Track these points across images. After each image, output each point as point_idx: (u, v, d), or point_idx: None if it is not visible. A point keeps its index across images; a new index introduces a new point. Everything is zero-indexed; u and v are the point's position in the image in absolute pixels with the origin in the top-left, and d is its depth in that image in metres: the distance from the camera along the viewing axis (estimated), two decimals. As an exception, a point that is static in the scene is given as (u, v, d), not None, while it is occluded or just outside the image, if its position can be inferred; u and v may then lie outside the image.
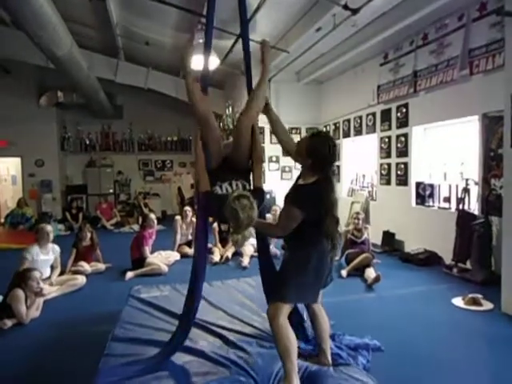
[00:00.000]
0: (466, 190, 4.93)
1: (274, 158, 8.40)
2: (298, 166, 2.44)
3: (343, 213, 6.92)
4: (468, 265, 4.78)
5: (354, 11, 4.72)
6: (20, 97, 10.04)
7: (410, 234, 6.03)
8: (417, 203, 5.92)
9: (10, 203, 10.68)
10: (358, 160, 7.77)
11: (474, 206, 4.91)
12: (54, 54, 5.88)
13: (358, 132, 7.40)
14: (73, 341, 3.15)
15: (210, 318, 3.22)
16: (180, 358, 2.57)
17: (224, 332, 2.99)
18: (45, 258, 4.42)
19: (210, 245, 5.92)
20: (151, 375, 2.36)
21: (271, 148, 8.04)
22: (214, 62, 6.15)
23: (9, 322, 3.40)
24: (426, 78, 5.48)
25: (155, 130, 11.93)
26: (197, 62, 6.18)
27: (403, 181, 6.19)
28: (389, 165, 6.52)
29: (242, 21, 2.74)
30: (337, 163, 7.98)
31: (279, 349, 2.16)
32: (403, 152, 6.15)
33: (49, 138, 10.53)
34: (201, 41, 5.90)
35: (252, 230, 2.84)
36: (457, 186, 5.25)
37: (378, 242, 6.38)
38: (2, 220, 9.57)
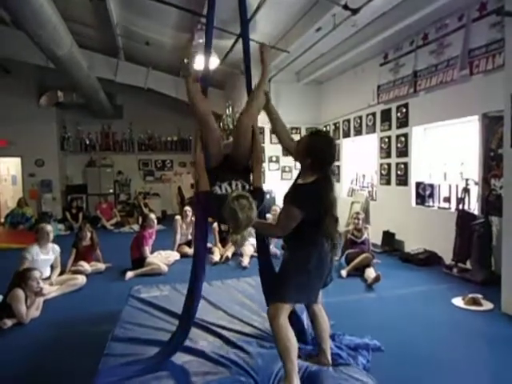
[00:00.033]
0: (466, 190, 4.93)
1: (274, 158, 8.40)
2: (298, 165, 2.44)
3: (343, 213, 6.92)
4: (468, 265, 4.78)
5: (354, 11, 4.72)
6: (20, 96, 10.05)
7: (409, 234, 6.03)
8: (417, 203, 5.92)
9: (10, 203, 10.68)
10: (357, 160, 7.77)
11: (473, 206, 4.91)
12: (54, 53, 5.89)
13: (358, 132, 7.40)
14: (73, 340, 3.15)
15: (210, 317, 3.22)
16: (180, 358, 2.57)
17: (224, 332, 2.99)
18: (45, 257, 4.42)
19: (209, 244, 5.92)
20: (151, 375, 2.36)
21: (271, 148, 8.05)
22: (214, 62, 6.16)
23: (9, 322, 3.40)
24: (426, 78, 5.48)
25: (155, 130, 11.94)
26: (197, 62, 6.19)
27: (403, 181, 6.19)
28: (389, 165, 6.52)
29: (242, 21, 2.74)
30: (337, 163, 7.99)
31: (279, 349, 2.16)
32: (403, 152, 6.15)
33: (49, 137, 10.53)
34: (201, 41, 5.93)
35: (252, 230, 2.84)
36: (457, 186, 5.25)
37: (378, 241, 6.38)
38: (2, 220, 9.57)
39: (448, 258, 5.04)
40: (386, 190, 6.63)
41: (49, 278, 4.43)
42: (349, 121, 7.67)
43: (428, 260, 5.32)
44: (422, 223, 5.73)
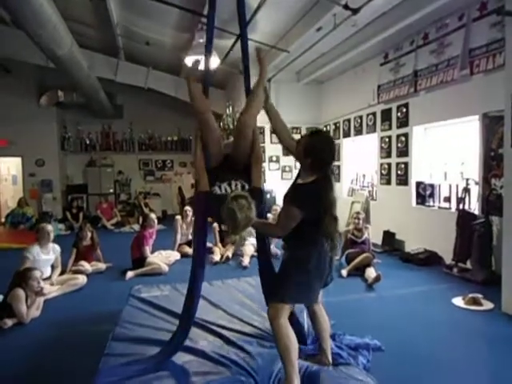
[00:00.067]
0: (467, 190, 4.93)
1: (274, 158, 8.40)
2: (299, 165, 2.44)
3: (343, 213, 6.92)
4: (468, 265, 4.78)
5: (355, 11, 4.71)
6: (20, 96, 10.05)
7: (410, 234, 6.03)
8: (417, 203, 5.92)
9: (10, 203, 10.69)
10: (358, 160, 7.77)
11: (474, 205, 4.91)
12: (54, 53, 5.88)
13: (359, 132, 7.40)
14: (73, 340, 3.15)
15: (210, 317, 3.22)
16: (180, 358, 2.57)
17: (224, 332, 2.99)
18: (46, 257, 4.42)
19: (210, 244, 5.92)
20: (151, 375, 2.36)
21: (271, 148, 8.06)
22: (215, 62, 6.16)
23: (9, 322, 3.41)
24: (426, 77, 5.47)
25: (155, 130, 11.94)
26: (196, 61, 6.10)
27: (403, 180, 6.19)
28: (389, 164, 6.52)
29: (240, 22, 2.72)
30: (337, 163, 7.99)
31: (280, 349, 2.16)
32: (403, 152, 6.15)
33: (49, 137, 10.54)
34: (201, 40, 5.94)
35: (252, 230, 2.84)
36: (457, 186, 5.25)
37: (379, 241, 6.38)
38: (3, 220, 9.57)
39: (448, 258, 5.04)
40: (387, 190, 6.62)
41: (49, 277, 4.43)
42: (349, 120, 7.67)
43: (428, 260, 5.32)
44: (423, 223, 5.72)
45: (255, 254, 5.04)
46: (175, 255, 5.82)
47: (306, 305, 2.58)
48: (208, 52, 2.65)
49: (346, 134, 7.81)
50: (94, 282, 4.70)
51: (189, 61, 6.51)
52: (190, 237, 6.22)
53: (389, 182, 6.55)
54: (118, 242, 7.10)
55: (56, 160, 10.74)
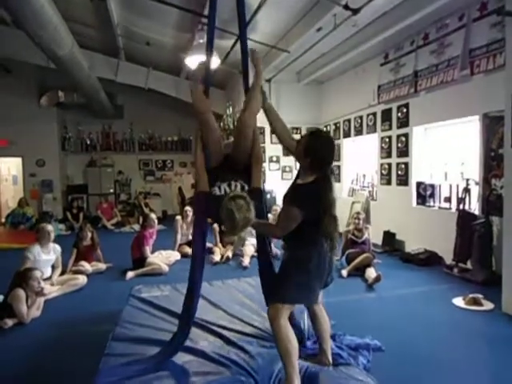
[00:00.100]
0: (467, 190, 4.92)
1: (274, 158, 8.41)
2: (299, 165, 2.44)
3: (344, 213, 6.92)
4: (469, 265, 4.77)
5: (355, 11, 4.72)
6: (21, 96, 10.06)
7: (410, 234, 6.02)
8: (417, 203, 5.92)
9: (11, 203, 10.69)
10: (358, 160, 7.77)
11: (474, 205, 4.91)
12: (55, 53, 5.89)
13: (359, 132, 7.40)
14: (73, 340, 3.15)
15: (210, 317, 3.23)
16: (180, 358, 2.57)
17: (224, 332, 2.99)
18: (46, 257, 4.43)
19: (210, 244, 5.93)
20: (152, 375, 2.36)
21: (272, 148, 8.06)
22: (215, 62, 6.16)
23: (9, 322, 3.41)
24: (426, 77, 5.47)
25: (156, 130, 11.94)
26: (197, 61, 6.12)
27: (404, 181, 6.18)
28: (389, 165, 6.52)
29: (240, 23, 2.71)
30: (337, 163, 7.99)
31: (280, 349, 2.16)
32: (404, 152, 6.15)
33: (49, 137, 10.55)
34: (201, 41, 5.94)
35: (252, 230, 2.84)
36: (457, 186, 5.25)
37: (379, 241, 6.37)
38: (3, 220, 9.58)
39: (448, 258, 5.04)
40: (387, 190, 6.62)
41: (50, 278, 4.44)
42: (349, 121, 7.67)
43: (428, 260, 5.31)
44: (423, 223, 5.72)
45: (255, 254, 5.04)
46: (175, 255, 5.82)
47: (306, 305, 2.58)
48: (209, 52, 2.65)
49: (347, 134, 7.81)
50: (94, 282, 4.70)
51: (193, 62, 6.52)
52: (191, 237, 6.20)
53: (389, 183, 6.55)
54: (118, 242, 7.10)
55: (56, 160, 10.75)
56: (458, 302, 3.80)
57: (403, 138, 6.15)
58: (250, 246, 5.69)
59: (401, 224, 6.20)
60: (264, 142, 7.86)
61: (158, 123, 11.71)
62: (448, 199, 5.43)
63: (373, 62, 6.73)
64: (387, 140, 6.53)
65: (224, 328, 3.06)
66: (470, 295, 3.76)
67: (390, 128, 6.44)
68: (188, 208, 6.42)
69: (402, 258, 5.66)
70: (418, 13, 4.78)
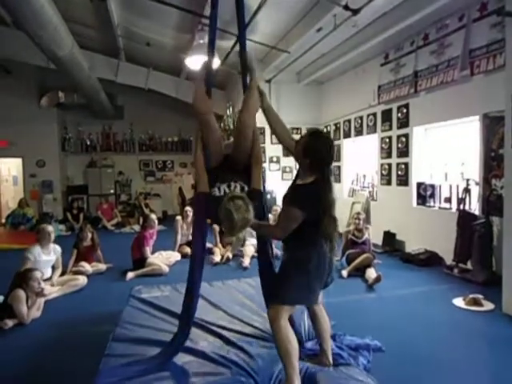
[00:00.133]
0: (467, 191, 4.92)
1: (274, 159, 8.40)
2: (298, 166, 2.44)
3: (344, 213, 6.92)
4: (469, 265, 4.77)
5: (355, 11, 4.72)
6: (21, 97, 10.06)
7: (410, 235, 6.02)
8: (418, 203, 5.92)
9: (11, 204, 10.70)
10: (358, 160, 7.77)
11: (474, 206, 4.91)
12: (55, 54, 5.89)
13: (359, 132, 7.40)
14: (73, 341, 3.15)
15: (210, 318, 3.23)
16: (180, 359, 2.57)
17: (224, 332, 2.99)
18: (47, 258, 4.43)
19: (210, 245, 5.93)
20: (152, 375, 2.36)
21: (272, 148, 8.06)
22: (216, 63, 6.16)
23: (10, 322, 3.41)
24: (426, 78, 5.47)
25: (156, 131, 11.95)
26: (197, 62, 6.13)
27: (404, 181, 6.18)
28: (389, 165, 6.52)
29: (239, 24, 2.69)
30: (338, 163, 8.00)
31: (280, 351, 2.15)
32: (404, 152, 6.15)
33: (50, 138, 10.55)
34: (201, 41, 5.94)
35: (253, 231, 2.83)
36: (457, 187, 5.24)
37: (379, 242, 6.37)
38: (3, 220, 9.58)
39: (449, 259, 5.03)
40: (387, 191, 6.62)
41: (50, 278, 4.44)
42: (349, 121, 7.67)
43: (429, 260, 5.31)
44: (423, 223, 5.72)
45: (255, 254, 5.04)
46: (176, 256, 5.82)
47: (307, 306, 2.58)
48: (211, 52, 2.65)
49: (347, 135, 7.81)
50: (94, 283, 4.70)
51: (193, 62, 6.53)
52: (191, 237, 6.21)
53: (389, 183, 6.55)
54: (119, 243, 7.10)
55: (56, 161, 10.75)
56: (459, 302, 3.79)
57: (403, 139, 6.15)
58: (251, 246, 5.69)
59: (401, 224, 6.20)
60: (264, 143, 7.86)
61: (159, 124, 11.72)
62: (448, 199, 5.43)
63: (373, 63, 6.73)
64: (387, 140, 6.53)
65: (224, 328, 3.05)
66: (471, 295, 3.75)
67: (391, 128, 6.44)
68: (188, 208, 6.42)
69: (402, 258, 5.66)
70: (417, 13, 4.78)
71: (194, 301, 2.65)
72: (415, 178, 5.96)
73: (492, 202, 4.53)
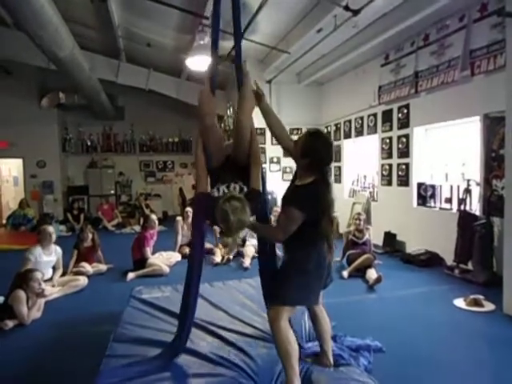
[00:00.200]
0: (468, 191, 4.92)
1: (275, 159, 8.40)
2: (296, 166, 2.43)
3: (345, 214, 6.92)
4: (469, 266, 4.76)
5: (355, 12, 4.72)
6: (21, 98, 10.06)
7: (411, 235, 6.02)
8: (418, 204, 5.91)
9: (11, 204, 10.71)
10: (359, 161, 7.76)
11: (475, 206, 4.90)
12: (55, 55, 5.90)
13: (359, 133, 7.39)
14: (74, 341, 3.15)
15: (210, 318, 3.23)
16: (181, 359, 2.57)
17: (225, 333, 2.99)
18: (47, 259, 4.43)
19: (211, 245, 5.93)
20: (152, 376, 2.37)
21: (272, 149, 8.06)
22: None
23: (10, 323, 3.41)
24: (427, 78, 5.47)
25: (156, 131, 11.95)
26: (197, 62, 6.14)
27: (404, 181, 6.18)
28: (390, 165, 6.52)
29: (235, 23, 2.63)
30: (338, 164, 8.00)
31: (280, 352, 2.15)
32: (404, 153, 6.15)
33: (50, 139, 10.55)
34: (202, 42, 5.95)
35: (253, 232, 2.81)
36: (458, 187, 5.24)
37: (380, 242, 6.37)
38: (4, 221, 9.58)
39: (449, 259, 5.03)
40: (388, 191, 6.62)
41: (51, 279, 4.44)
42: (350, 122, 7.67)
43: (429, 261, 5.31)
44: (424, 224, 5.72)
45: (256, 255, 5.04)
46: (176, 256, 5.82)
47: (307, 306, 2.57)
48: (214, 52, 2.63)
49: (347, 135, 7.81)
50: (94, 284, 4.71)
51: (193, 63, 6.53)
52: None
53: (390, 183, 6.55)
54: (119, 244, 7.10)
55: (57, 161, 10.75)
56: (459, 302, 3.79)
57: (404, 139, 6.14)
58: (251, 246, 5.69)
59: (401, 225, 6.20)
60: (264, 143, 7.87)
61: (159, 124, 11.72)
62: (449, 200, 5.43)
63: (373, 63, 6.73)
64: (388, 141, 6.53)
65: (224, 329, 3.05)
66: (471, 296, 3.75)
67: (391, 129, 6.44)
68: (189, 209, 6.42)
69: (402, 258, 5.66)
70: (418, 14, 4.78)
71: (193, 301, 2.65)
72: (416, 178, 5.96)
73: (493, 203, 4.53)
